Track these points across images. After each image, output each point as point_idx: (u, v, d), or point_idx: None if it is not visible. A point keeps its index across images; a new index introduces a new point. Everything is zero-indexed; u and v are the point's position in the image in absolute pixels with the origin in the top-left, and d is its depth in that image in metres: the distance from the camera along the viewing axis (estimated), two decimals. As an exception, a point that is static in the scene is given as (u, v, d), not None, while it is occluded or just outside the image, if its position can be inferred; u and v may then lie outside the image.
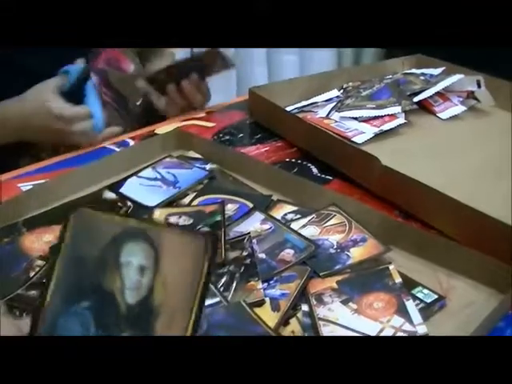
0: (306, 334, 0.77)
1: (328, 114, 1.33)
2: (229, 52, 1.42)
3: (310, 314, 0.80)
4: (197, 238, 0.59)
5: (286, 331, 0.78)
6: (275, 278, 0.85)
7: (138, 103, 1.47)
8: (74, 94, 1.26)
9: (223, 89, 2.53)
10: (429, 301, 0.83)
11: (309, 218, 0.98)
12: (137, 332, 0.57)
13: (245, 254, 0.88)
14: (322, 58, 2.83)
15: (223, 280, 0.84)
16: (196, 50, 1.42)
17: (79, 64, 1.31)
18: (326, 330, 0.77)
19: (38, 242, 0.93)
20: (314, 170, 1.18)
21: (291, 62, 2.85)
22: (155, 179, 1.10)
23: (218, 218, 0.94)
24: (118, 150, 1.24)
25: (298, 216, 0.99)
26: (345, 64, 2.96)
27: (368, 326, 0.77)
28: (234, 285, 0.83)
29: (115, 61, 1.42)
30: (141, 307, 0.57)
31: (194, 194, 1.05)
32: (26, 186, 1.09)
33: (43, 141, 1.30)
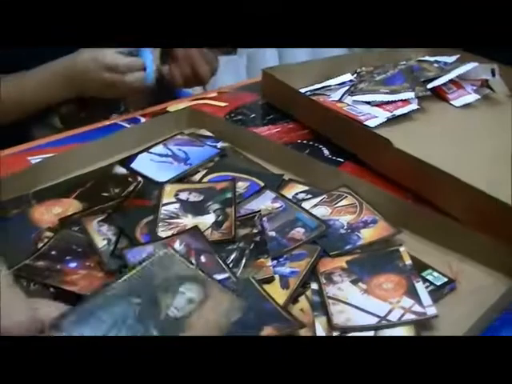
0: (315, 313, 0.76)
1: (341, 98, 1.32)
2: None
3: (320, 292, 0.79)
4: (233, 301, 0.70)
5: (295, 309, 0.78)
6: (285, 256, 0.85)
7: None
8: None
9: (233, 71, 2.53)
10: (438, 283, 0.82)
11: (320, 198, 0.97)
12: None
13: (255, 231, 0.88)
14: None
15: (233, 256, 0.84)
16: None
17: None
18: (335, 309, 0.76)
19: (48, 213, 0.93)
20: (326, 152, 1.17)
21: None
22: (166, 155, 1.09)
23: (229, 195, 0.94)
24: (128, 126, 1.23)
25: (309, 196, 0.98)
26: (356, 49, 2.95)
27: (377, 306, 0.77)
28: (244, 261, 0.83)
29: None
30: (174, 322, 0.65)
31: (205, 171, 1.05)
32: (35, 160, 1.09)
33: (96, 94, 1.31)
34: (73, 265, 0.82)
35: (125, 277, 0.68)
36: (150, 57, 1.28)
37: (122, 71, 1.25)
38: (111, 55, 1.25)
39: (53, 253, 0.85)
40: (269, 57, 2.82)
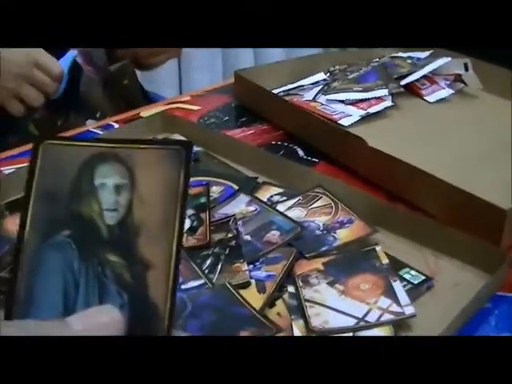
0: (293, 316, 0.76)
1: (314, 97, 1.32)
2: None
3: (297, 295, 0.79)
4: (170, 149, 0.57)
5: (272, 313, 0.77)
6: (261, 260, 0.84)
7: (125, 82, 1.45)
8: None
9: (209, 71, 2.52)
10: (416, 282, 0.82)
11: (295, 199, 0.97)
12: (120, 252, 0.55)
13: (230, 235, 0.87)
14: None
15: (208, 262, 0.83)
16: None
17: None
18: (313, 312, 0.76)
19: (21, 225, 0.92)
20: (300, 153, 1.17)
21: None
22: (139, 162, 1.08)
23: (203, 200, 0.93)
24: (102, 133, 1.22)
25: (284, 198, 0.98)
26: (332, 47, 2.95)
27: (355, 308, 0.77)
28: (219, 267, 0.82)
29: None
30: (122, 226, 0.55)
31: (179, 176, 1.04)
32: (8, 170, 1.08)
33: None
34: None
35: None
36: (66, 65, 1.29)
37: (46, 71, 1.26)
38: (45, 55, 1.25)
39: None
40: (244, 56, 2.81)
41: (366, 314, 0.76)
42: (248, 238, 0.88)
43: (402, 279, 0.82)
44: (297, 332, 0.74)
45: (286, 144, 1.20)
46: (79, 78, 1.37)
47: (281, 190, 1.00)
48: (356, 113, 1.23)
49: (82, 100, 1.38)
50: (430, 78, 1.39)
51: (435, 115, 1.30)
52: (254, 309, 0.75)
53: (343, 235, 0.89)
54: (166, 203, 0.55)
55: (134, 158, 0.57)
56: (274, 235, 0.88)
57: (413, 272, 0.84)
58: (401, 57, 1.48)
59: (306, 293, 0.79)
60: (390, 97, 1.30)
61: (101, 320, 0.53)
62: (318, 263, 0.84)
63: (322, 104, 1.28)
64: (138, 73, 1.57)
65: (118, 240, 0.55)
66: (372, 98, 1.28)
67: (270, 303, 0.78)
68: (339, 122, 1.20)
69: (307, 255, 0.85)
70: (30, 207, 0.57)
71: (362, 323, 0.75)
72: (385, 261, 0.83)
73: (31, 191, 0.57)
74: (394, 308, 0.76)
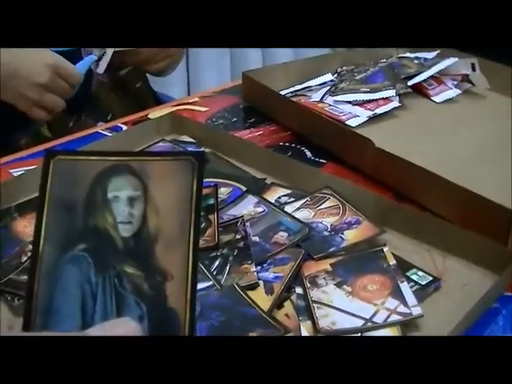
0: (300, 318, 0.76)
1: (322, 98, 1.32)
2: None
3: (304, 296, 0.79)
4: (182, 160, 0.58)
5: (280, 314, 0.78)
6: (269, 261, 0.84)
7: (138, 85, 1.46)
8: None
9: (218, 72, 2.52)
10: (424, 283, 0.83)
11: (303, 201, 0.97)
12: (137, 263, 0.56)
13: (238, 237, 0.88)
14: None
15: (216, 263, 0.84)
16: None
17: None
18: (320, 313, 0.76)
19: (31, 226, 0.92)
20: (308, 154, 1.17)
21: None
22: (148, 163, 1.09)
23: (211, 202, 0.94)
24: (110, 135, 1.23)
25: (292, 199, 0.98)
26: (340, 48, 2.94)
27: (362, 309, 0.77)
28: (228, 268, 0.83)
29: None
30: (137, 238, 0.56)
31: (187, 177, 1.05)
32: (18, 172, 1.09)
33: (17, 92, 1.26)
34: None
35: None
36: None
37: (64, 76, 1.26)
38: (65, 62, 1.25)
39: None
40: (252, 56, 2.81)
41: (373, 315, 0.76)
42: (256, 239, 0.88)
43: (410, 280, 0.82)
44: (305, 333, 0.74)
45: (293, 145, 1.20)
46: (91, 80, 1.38)
47: (289, 191, 1.00)
48: (363, 113, 1.24)
49: (93, 102, 1.38)
50: (437, 79, 1.40)
51: (443, 115, 1.31)
52: (262, 310, 0.75)
53: (351, 236, 0.89)
54: (181, 213, 0.56)
55: (147, 170, 0.57)
56: (282, 236, 0.88)
57: (420, 273, 0.84)
58: (408, 57, 1.48)
59: (314, 294, 0.79)
60: (398, 97, 1.30)
61: (118, 332, 0.53)
62: (326, 264, 0.84)
63: (330, 105, 1.28)
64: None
65: (133, 252, 0.56)
66: (379, 99, 1.28)
67: (278, 304, 0.78)
68: (347, 122, 1.20)
69: (315, 256, 0.86)
70: (43, 220, 0.58)
71: (370, 324, 0.75)
72: (392, 262, 0.84)
73: (44, 205, 0.58)
74: (402, 309, 0.76)
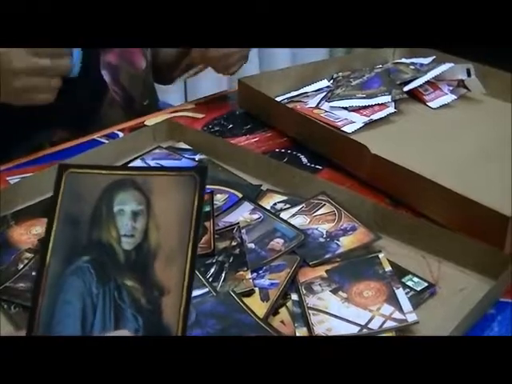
0: (296, 324, 0.77)
1: (318, 104, 1.33)
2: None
3: (300, 303, 0.80)
4: (186, 176, 0.59)
5: (276, 321, 0.78)
6: (264, 268, 0.85)
7: (145, 103, 1.46)
8: None
9: (214, 78, 2.52)
10: (419, 289, 0.83)
11: (298, 207, 0.97)
12: (136, 277, 0.57)
13: (234, 243, 0.88)
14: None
15: (212, 270, 0.84)
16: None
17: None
18: (316, 320, 0.77)
19: (27, 234, 0.93)
20: (304, 160, 1.17)
21: (282, 50, 2.84)
22: (144, 170, 1.09)
23: (207, 208, 0.94)
24: (107, 142, 1.23)
25: (288, 205, 0.98)
26: (338, 52, 2.95)
27: (358, 315, 0.77)
28: (223, 275, 0.83)
29: (129, 54, 1.40)
30: (138, 252, 0.57)
31: (183, 184, 1.05)
32: (14, 180, 1.09)
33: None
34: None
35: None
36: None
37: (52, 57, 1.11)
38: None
39: (33, 274, 0.84)
40: (248, 62, 2.81)
41: (369, 321, 0.76)
42: (252, 245, 0.88)
43: (405, 286, 0.83)
44: (300, 340, 0.74)
45: (289, 151, 1.20)
46: (102, 95, 1.37)
47: (284, 198, 1.01)
48: (359, 119, 1.24)
49: (102, 118, 1.37)
50: (433, 84, 1.40)
51: (438, 121, 1.31)
52: (258, 317, 0.76)
53: (347, 242, 0.89)
54: (181, 228, 0.57)
55: (150, 185, 0.59)
56: (277, 243, 0.89)
57: (415, 279, 0.84)
58: (404, 63, 1.48)
59: (310, 300, 0.80)
60: (393, 103, 1.30)
61: None
62: (322, 270, 0.85)
63: (326, 111, 1.28)
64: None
65: (134, 265, 0.57)
66: (375, 105, 1.29)
67: (274, 311, 0.78)
68: (342, 128, 1.20)
69: (311, 263, 0.86)
70: (52, 232, 0.59)
71: (365, 330, 0.75)
72: (388, 268, 0.84)
73: (54, 217, 0.59)
74: (397, 315, 0.76)
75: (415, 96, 1.38)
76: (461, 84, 1.40)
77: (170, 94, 2.52)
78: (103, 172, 0.60)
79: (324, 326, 0.76)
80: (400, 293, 0.80)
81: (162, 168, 0.63)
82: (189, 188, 0.58)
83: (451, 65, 1.39)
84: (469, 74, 1.38)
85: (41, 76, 1.12)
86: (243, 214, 0.95)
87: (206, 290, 0.79)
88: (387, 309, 0.77)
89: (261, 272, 0.84)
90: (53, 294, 0.57)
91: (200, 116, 1.35)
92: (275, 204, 0.99)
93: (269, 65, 2.83)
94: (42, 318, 0.57)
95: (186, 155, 1.14)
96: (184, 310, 0.55)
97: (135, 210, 0.58)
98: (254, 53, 2.79)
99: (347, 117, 1.25)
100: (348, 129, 1.20)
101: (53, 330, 0.57)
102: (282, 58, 2.84)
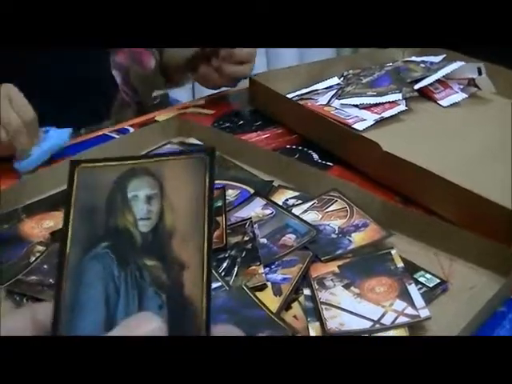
0: (309, 319, 0.77)
1: (328, 102, 1.32)
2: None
3: (312, 298, 0.80)
4: (195, 158, 0.60)
5: (288, 315, 0.78)
6: (277, 263, 0.85)
7: (155, 102, 1.46)
8: None
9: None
10: (431, 285, 0.83)
11: (310, 203, 0.97)
12: (155, 256, 0.58)
13: (246, 238, 0.88)
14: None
15: (225, 265, 0.84)
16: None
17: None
18: (329, 314, 0.77)
19: (38, 227, 0.93)
20: (315, 157, 1.17)
21: (290, 50, 2.84)
22: (155, 166, 1.09)
23: (219, 204, 0.94)
24: (117, 137, 1.23)
25: (300, 201, 0.99)
26: (344, 51, 2.95)
27: (370, 310, 0.77)
28: (236, 269, 0.83)
29: (138, 55, 1.40)
30: (155, 233, 0.57)
31: (194, 180, 1.05)
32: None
33: None
34: (65, 279, 0.81)
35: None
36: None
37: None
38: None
39: (45, 267, 0.85)
40: (257, 61, 2.82)
41: (381, 317, 0.76)
42: (264, 241, 0.89)
43: (417, 282, 0.83)
44: (313, 334, 0.74)
45: (300, 148, 1.20)
46: (112, 100, 1.37)
47: (296, 194, 1.01)
48: (370, 117, 1.24)
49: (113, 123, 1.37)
50: (443, 82, 1.40)
51: (449, 119, 1.31)
52: (271, 311, 0.76)
53: (358, 238, 0.89)
54: (195, 207, 0.57)
55: (162, 170, 0.59)
56: (289, 238, 0.89)
57: (428, 275, 0.84)
58: (414, 61, 1.48)
59: (322, 295, 0.80)
60: (404, 101, 1.30)
61: (143, 331, 0.54)
62: (334, 266, 0.85)
63: (336, 108, 1.28)
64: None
65: (152, 245, 0.58)
66: (386, 103, 1.29)
67: (286, 306, 0.79)
68: (353, 126, 1.20)
69: (323, 258, 0.86)
70: (70, 224, 0.60)
71: (378, 326, 0.75)
72: (400, 264, 0.84)
73: (70, 209, 0.60)
74: (410, 311, 0.76)
75: (425, 94, 1.38)
76: (471, 82, 1.40)
77: (178, 90, 2.52)
78: (114, 163, 0.61)
79: (336, 321, 0.76)
80: (412, 289, 0.80)
81: (171, 153, 0.64)
82: (199, 169, 0.59)
83: (462, 63, 1.39)
84: (479, 73, 1.38)
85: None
86: (255, 209, 0.95)
87: (219, 284, 0.79)
88: (400, 304, 0.77)
89: (273, 267, 0.84)
90: (75, 280, 0.58)
91: (210, 112, 1.35)
92: (287, 200, 0.99)
93: (276, 64, 2.83)
94: (67, 303, 0.58)
95: (197, 150, 1.14)
96: (207, 281, 0.56)
97: (149, 194, 0.58)
98: (261, 52, 2.79)
99: (358, 114, 1.25)
100: (359, 126, 1.20)
101: (77, 314, 0.58)
102: (289, 57, 2.84)
